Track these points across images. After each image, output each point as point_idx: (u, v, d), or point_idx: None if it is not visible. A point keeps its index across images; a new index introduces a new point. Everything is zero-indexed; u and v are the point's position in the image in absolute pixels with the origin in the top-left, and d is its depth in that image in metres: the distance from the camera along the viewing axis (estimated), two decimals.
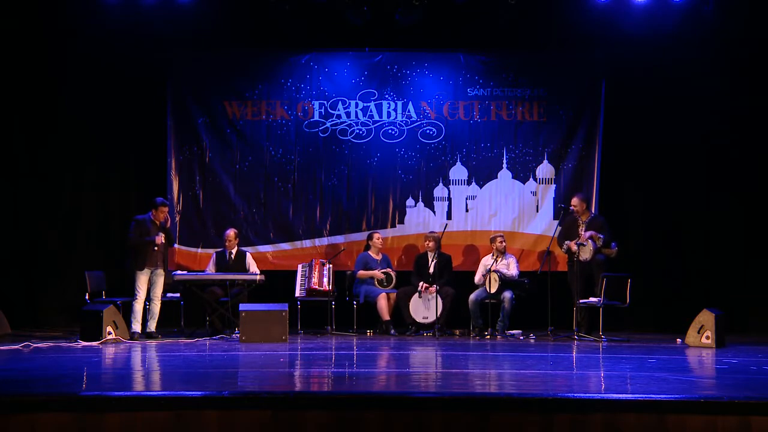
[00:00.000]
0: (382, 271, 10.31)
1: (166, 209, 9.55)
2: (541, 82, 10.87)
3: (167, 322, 10.19)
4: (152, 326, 9.41)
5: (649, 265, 10.56)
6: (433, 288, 9.92)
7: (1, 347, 8.17)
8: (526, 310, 10.02)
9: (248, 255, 10.20)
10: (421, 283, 10.10)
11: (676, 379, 6.25)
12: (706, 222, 10.75)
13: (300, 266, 10.34)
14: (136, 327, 9.33)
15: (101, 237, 10.84)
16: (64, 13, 10.44)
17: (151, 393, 5.27)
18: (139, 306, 9.36)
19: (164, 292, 9.76)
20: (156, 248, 9.36)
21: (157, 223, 9.50)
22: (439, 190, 10.92)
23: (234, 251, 10.13)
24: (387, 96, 10.97)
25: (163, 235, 9.45)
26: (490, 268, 9.94)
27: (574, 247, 9.69)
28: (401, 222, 10.94)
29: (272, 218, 10.92)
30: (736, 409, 4.96)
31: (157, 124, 10.77)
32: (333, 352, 8.22)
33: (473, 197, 10.91)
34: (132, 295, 9.38)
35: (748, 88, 10.54)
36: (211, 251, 10.41)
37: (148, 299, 9.44)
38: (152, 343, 8.94)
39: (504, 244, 10.17)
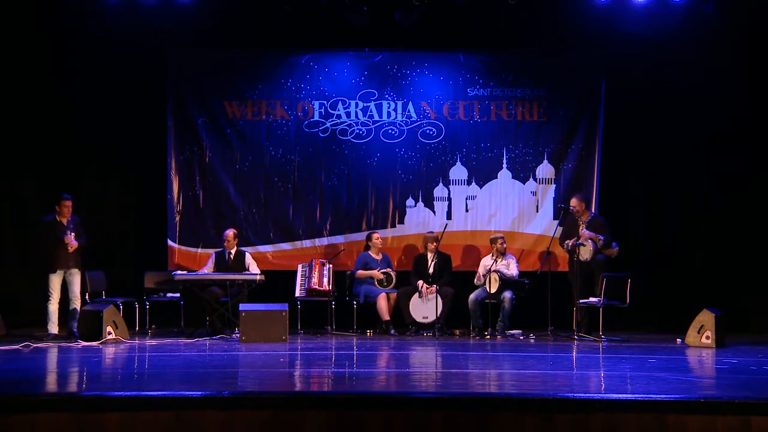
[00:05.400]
0: (382, 271, 10.30)
1: (68, 203, 9.36)
2: (541, 82, 10.86)
3: (167, 322, 10.19)
4: (75, 326, 9.19)
5: (649, 265, 10.56)
6: (433, 288, 9.92)
7: (1, 347, 8.17)
8: (526, 310, 10.01)
9: (248, 255, 10.20)
10: (420, 283, 10.10)
11: (676, 379, 6.25)
12: (706, 222, 10.75)
13: (300, 266, 10.34)
14: (52, 329, 9.22)
15: (101, 237, 10.80)
16: (64, 13, 10.43)
17: (151, 393, 5.26)
18: (53, 307, 9.26)
19: (164, 291, 9.73)
20: (69, 249, 9.26)
21: (64, 221, 9.38)
22: (439, 190, 10.91)
23: (233, 251, 10.13)
24: (387, 96, 10.96)
25: (73, 234, 9.33)
26: (490, 268, 9.94)
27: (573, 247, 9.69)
28: (401, 222, 10.94)
29: (272, 218, 10.92)
30: (736, 409, 4.96)
31: (157, 124, 10.77)
32: (333, 352, 8.22)
33: (473, 197, 10.91)
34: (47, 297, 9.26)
35: (748, 88, 10.54)
36: (211, 251, 10.41)
37: (68, 300, 9.35)
38: (152, 342, 8.93)
39: (504, 245, 10.16)
